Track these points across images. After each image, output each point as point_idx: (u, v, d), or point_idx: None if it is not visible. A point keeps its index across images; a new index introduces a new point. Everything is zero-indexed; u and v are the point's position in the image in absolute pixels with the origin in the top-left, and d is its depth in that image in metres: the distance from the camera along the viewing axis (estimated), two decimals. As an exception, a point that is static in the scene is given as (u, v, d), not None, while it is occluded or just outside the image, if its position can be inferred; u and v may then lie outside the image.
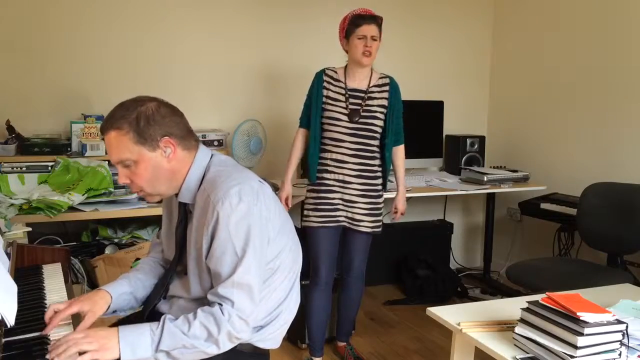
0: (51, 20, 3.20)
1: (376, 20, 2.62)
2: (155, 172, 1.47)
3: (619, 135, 3.38)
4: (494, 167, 3.91)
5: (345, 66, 2.71)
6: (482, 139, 4.01)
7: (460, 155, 3.93)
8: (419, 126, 3.64)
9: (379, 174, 2.72)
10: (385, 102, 2.68)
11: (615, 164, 3.39)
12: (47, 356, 1.26)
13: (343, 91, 2.66)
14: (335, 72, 2.70)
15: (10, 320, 1.26)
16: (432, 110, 3.98)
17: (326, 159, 2.67)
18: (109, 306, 1.57)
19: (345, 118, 2.63)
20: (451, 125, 4.09)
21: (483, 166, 3.96)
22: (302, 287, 1.74)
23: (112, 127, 1.43)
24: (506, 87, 4.27)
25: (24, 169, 2.89)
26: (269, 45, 3.70)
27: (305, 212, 2.70)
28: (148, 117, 1.43)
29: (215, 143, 3.36)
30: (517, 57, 4.15)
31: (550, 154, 3.86)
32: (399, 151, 2.78)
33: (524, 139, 4.09)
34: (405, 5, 4.04)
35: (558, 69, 3.78)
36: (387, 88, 2.69)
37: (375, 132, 2.66)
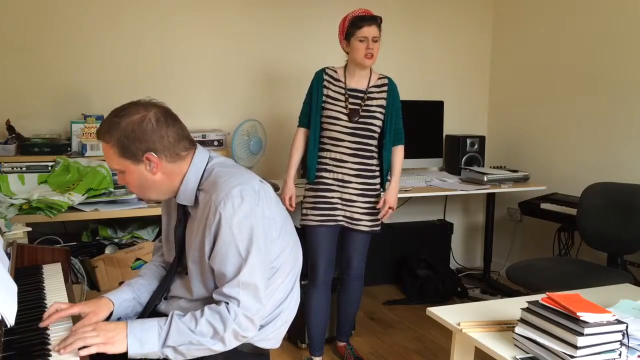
0: (51, 20, 3.20)
1: (376, 20, 2.60)
2: (142, 182, 1.50)
3: (619, 135, 3.38)
4: (494, 167, 3.91)
5: (345, 66, 2.72)
6: (482, 139, 4.01)
7: (460, 155, 3.93)
8: (419, 126, 3.64)
9: (377, 173, 2.72)
10: (384, 102, 2.68)
11: (616, 164, 3.39)
12: (55, 347, 1.29)
13: (343, 91, 2.66)
14: (335, 71, 2.70)
15: (10, 320, 1.26)
16: (432, 110, 3.98)
17: (325, 158, 2.67)
18: (111, 313, 1.58)
19: (345, 117, 2.63)
20: (451, 125, 4.09)
21: (483, 166, 3.96)
22: (301, 286, 1.75)
23: (100, 139, 1.48)
24: (506, 87, 4.27)
25: (24, 169, 2.88)
26: (269, 46, 3.70)
27: (304, 211, 2.71)
28: (128, 134, 1.43)
29: (215, 143, 3.35)
30: (517, 57, 4.15)
31: (550, 154, 3.86)
32: (398, 150, 2.76)
33: (524, 139, 4.09)
34: (405, 5, 4.04)
35: (558, 69, 3.78)
36: (385, 88, 2.70)
37: (374, 132, 2.67)
